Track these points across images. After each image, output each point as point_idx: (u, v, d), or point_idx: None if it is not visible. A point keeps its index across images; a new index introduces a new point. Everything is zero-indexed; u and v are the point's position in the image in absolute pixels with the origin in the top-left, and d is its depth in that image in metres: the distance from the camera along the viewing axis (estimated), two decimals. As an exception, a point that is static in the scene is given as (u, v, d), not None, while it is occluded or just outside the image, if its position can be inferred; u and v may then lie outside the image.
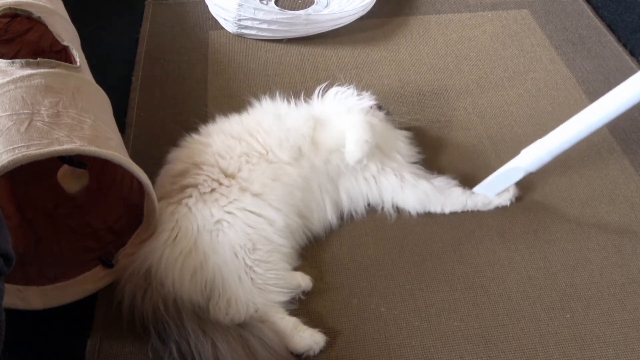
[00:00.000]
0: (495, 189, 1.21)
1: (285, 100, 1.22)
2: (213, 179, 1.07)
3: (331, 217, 1.16)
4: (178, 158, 1.13)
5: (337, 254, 1.15)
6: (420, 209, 1.20)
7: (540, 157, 1.11)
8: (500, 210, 1.23)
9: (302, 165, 1.12)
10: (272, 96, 1.24)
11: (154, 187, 1.06)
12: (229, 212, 1.03)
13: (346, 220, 1.20)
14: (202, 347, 0.94)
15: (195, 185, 1.06)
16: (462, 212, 1.22)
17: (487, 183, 1.21)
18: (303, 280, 1.07)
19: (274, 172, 1.09)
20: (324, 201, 1.15)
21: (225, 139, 1.13)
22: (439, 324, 1.04)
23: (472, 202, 1.21)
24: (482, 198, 1.21)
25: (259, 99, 1.23)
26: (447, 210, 1.20)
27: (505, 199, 1.22)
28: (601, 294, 1.08)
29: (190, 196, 1.05)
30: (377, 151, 1.17)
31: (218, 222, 1.02)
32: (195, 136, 1.18)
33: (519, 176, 1.16)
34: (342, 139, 1.13)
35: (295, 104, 1.22)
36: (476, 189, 1.22)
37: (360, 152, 1.11)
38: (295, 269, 1.09)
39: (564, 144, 1.07)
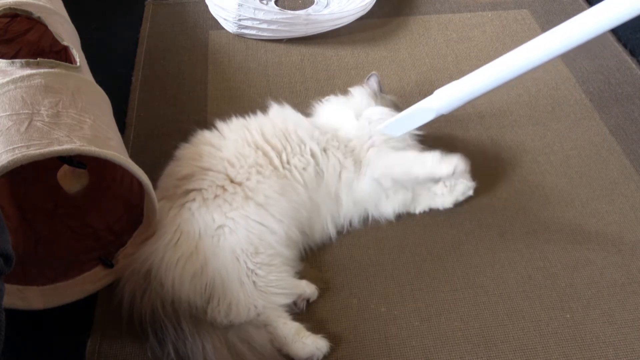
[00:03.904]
0: (402, 129, 1.18)
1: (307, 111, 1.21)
2: (218, 185, 1.05)
3: (332, 232, 1.16)
4: (185, 158, 1.11)
5: (337, 254, 1.15)
6: (395, 214, 1.19)
7: (453, 99, 1.09)
8: (500, 210, 1.23)
9: (317, 189, 1.11)
10: (289, 104, 1.21)
11: (156, 186, 1.07)
12: (231, 218, 1.03)
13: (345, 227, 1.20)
14: (195, 349, 0.94)
15: (199, 190, 1.05)
16: (459, 210, 1.22)
17: (395, 121, 1.18)
18: (308, 288, 1.06)
19: (282, 188, 1.08)
20: (327, 221, 1.14)
21: (239, 146, 1.10)
22: (439, 324, 1.04)
23: (434, 203, 1.21)
24: (440, 199, 1.20)
25: (278, 102, 1.21)
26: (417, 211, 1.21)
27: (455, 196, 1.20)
28: (601, 294, 1.08)
29: (194, 200, 1.04)
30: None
31: (220, 227, 1.02)
32: (206, 134, 1.15)
33: (429, 117, 1.13)
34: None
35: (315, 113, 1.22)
36: (381, 127, 1.18)
37: (448, 166, 1.11)
38: (297, 271, 1.09)
39: (479, 88, 1.05)
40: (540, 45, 0.97)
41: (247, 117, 1.18)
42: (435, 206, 1.21)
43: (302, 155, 1.12)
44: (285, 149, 1.12)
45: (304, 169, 1.11)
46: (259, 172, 1.08)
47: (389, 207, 1.18)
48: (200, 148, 1.12)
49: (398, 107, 1.26)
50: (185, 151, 1.13)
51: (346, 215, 1.17)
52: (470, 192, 1.21)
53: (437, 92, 1.11)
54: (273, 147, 1.11)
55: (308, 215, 1.11)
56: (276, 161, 1.10)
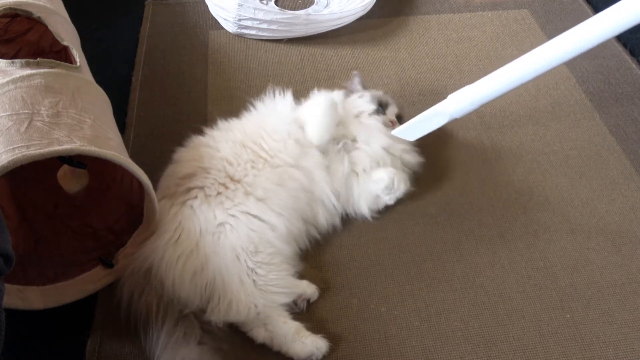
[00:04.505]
0: (416, 134, 1.19)
1: (278, 96, 1.22)
2: (220, 183, 1.06)
3: (336, 206, 1.16)
4: (185, 159, 1.12)
5: (337, 254, 1.15)
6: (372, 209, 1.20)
7: (467, 104, 1.09)
8: (500, 210, 1.23)
9: (307, 162, 1.12)
10: (266, 94, 1.23)
11: (157, 186, 1.07)
12: (232, 215, 1.03)
13: (346, 221, 1.20)
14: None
15: (201, 188, 1.06)
16: (459, 210, 1.22)
17: (409, 126, 1.18)
18: (309, 288, 1.06)
19: (279, 177, 1.09)
20: (329, 195, 1.14)
21: (233, 146, 1.12)
22: (439, 324, 1.04)
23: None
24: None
25: (257, 100, 1.23)
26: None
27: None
28: (601, 294, 1.08)
29: (196, 197, 1.05)
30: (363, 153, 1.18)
31: (221, 224, 1.02)
32: (201, 138, 1.17)
33: (443, 121, 1.14)
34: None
35: (283, 96, 1.22)
36: (395, 131, 1.20)
37: (317, 132, 1.13)
38: (298, 271, 1.09)
39: (492, 92, 1.05)
40: (553, 48, 0.98)
41: (229, 120, 1.21)
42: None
43: (276, 134, 1.13)
44: (263, 138, 1.13)
45: (284, 146, 1.12)
46: (253, 167, 1.09)
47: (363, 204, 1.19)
48: (200, 150, 1.13)
49: (379, 101, 1.26)
50: (184, 154, 1.14)
51: (341, 181, 1.16)
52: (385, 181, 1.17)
53: (450, 97, 1.11)
54: (254, 142, 1.13)
55: (308, 198, 1.11)
56: (262, 153, 1.11)
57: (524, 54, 1.02)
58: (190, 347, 0.95)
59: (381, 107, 1.25)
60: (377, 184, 1.16)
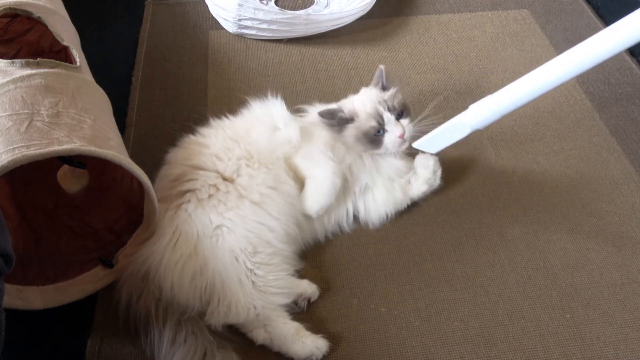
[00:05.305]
0: (437, 146, 1.16)
1: (279, 104, 1.17)
2: (210, 185, 1.05)
3: (328, 225, 1.16)
4: (176, 160, 1.12)
5: (337, 254, 1.15)
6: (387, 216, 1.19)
7: (489, 114, 1.05)
8: (500, 210, 1.23)
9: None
10: (265, 98, 1.19)
11: (153, 188, 1.07)
12: (228, 218, 1.02)
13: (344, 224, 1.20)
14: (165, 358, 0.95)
15: (193, 191, 1.05)
16: (459, 210, 1.22)
17: (429, 139, 1.15)
18: (310, 288, 1.06)
19: (274, 179, 1.08)
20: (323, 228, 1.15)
21: (224, 141, 1.11)
22: (439, 324, 1.04)
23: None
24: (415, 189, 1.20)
25: (254, 99, 1.21)
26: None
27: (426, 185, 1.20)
28: (601, 294, 1.08)
29: (189, 201, 1.04)
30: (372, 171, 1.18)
31: (217, 227, 1.02)
32: (192, 137, 1.17)
33: (464, 133, 1.09)
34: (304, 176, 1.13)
35: (284, 110, 1.17)
36: (416, 144, 1.16)
37: (315, 207, 1.11)
38: (297, 271, 1.09)
39: (516, 102, 1.02)
40: (577, 55, 0.92)
41: (222, 118, 1.20)
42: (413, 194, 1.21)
43: (266, 148, 1.11)
44: (252, 144, 1.11)
45: (274, 159, 1.11)
46: (248, 165, 1.08)
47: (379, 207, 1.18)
48: (190, 148, 1.13)
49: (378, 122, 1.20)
50: (175, 154, 1.14)
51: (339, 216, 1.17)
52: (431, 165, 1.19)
53: (471, 107, 1.07)
54: (247, 142, 1.11)
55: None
56: (255, 153, 1.10)
57: (547, 62, 0.97)
58: (198, 345, 0.95)
59: (393, 116, 1.15)
60: (428, 160, 1.18)
